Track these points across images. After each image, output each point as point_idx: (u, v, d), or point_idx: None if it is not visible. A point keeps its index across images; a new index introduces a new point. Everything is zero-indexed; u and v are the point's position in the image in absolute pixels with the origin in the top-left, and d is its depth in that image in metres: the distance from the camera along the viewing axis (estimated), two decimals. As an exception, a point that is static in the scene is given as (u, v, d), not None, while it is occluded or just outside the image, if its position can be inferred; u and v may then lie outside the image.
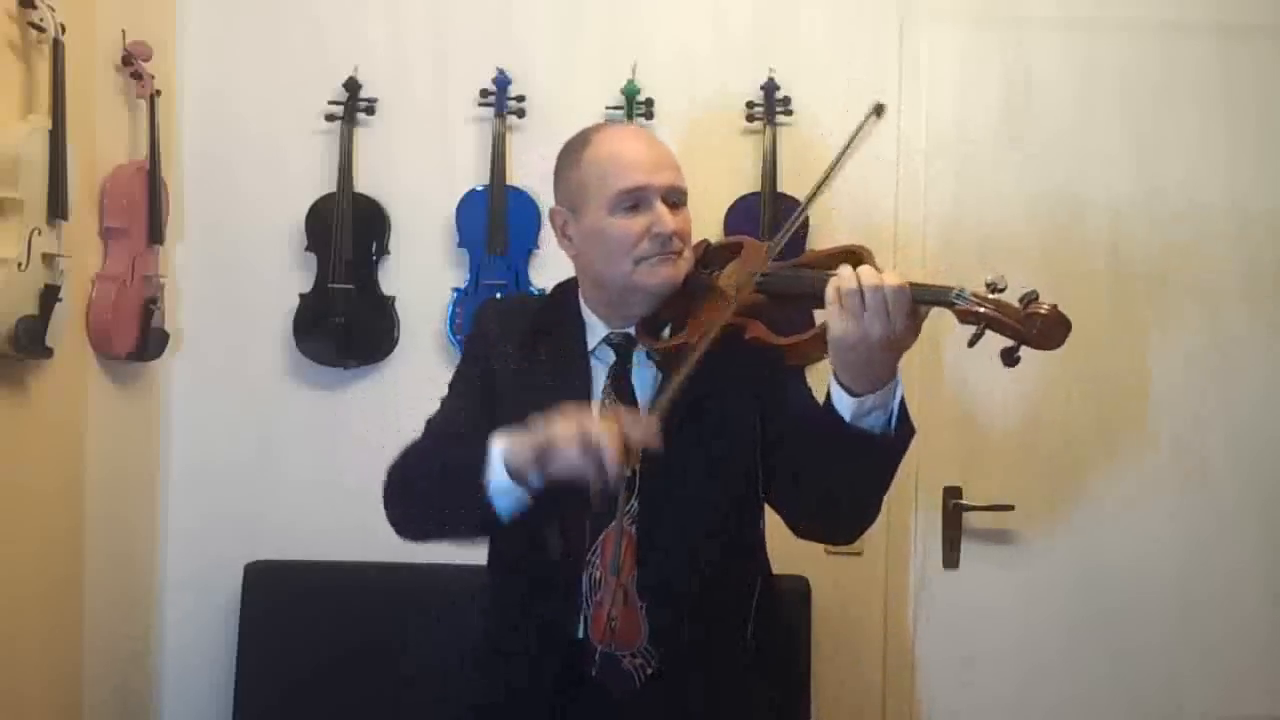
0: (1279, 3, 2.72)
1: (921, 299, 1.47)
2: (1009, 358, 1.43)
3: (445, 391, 1.84)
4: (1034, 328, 1.41)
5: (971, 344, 1.45)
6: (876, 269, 1.49)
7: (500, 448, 1.55)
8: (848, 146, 1.63)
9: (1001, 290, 1.44)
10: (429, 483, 1.67)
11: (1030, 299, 1.43)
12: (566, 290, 1.81)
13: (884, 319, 1.45)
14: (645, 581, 1.68)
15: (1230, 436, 2.70)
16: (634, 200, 1.66)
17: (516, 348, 1.76)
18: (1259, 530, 2.70)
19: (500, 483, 1.55)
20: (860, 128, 1.62)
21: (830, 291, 1.48)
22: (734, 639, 1.75)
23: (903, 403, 1.54)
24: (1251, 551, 2.69)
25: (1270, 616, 2.70)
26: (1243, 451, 2.70)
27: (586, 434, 1.46)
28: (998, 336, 1.44)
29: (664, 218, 1.66)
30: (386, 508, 1.72)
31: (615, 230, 1.67)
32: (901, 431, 1.54)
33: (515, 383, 1.74)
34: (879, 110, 1.62)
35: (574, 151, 1.74)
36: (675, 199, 1.69)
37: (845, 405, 1.51)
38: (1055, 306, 1.42)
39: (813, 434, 1.57)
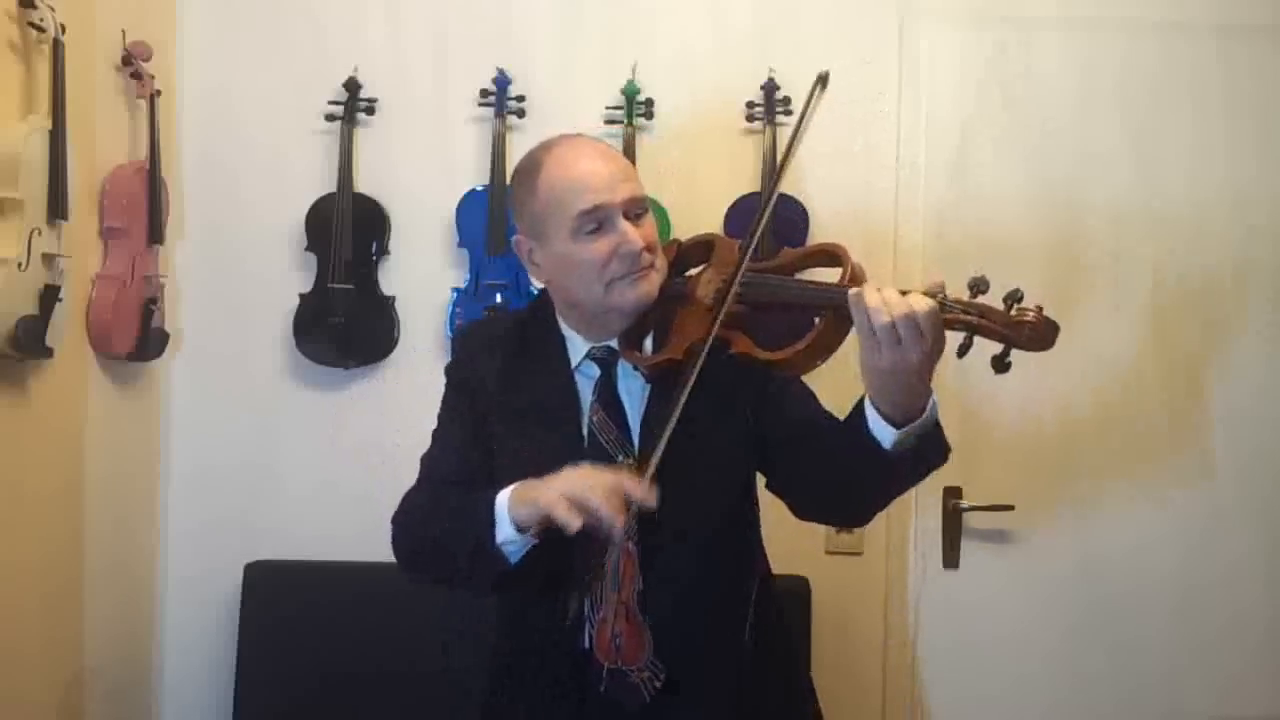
0: (1279, 3, 2.72)
1: None
2: (999, 364, 1.41)
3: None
4: (1022, 333, 1.39)
5: (961, 354, 1.44)
6: (862, 274, 1.50)
7: (505, 509, 1.57)
8: (801, 122, 1.63)
9: (984, 291, 1.42)
10: (438, 545, 1.67)
11: (1015, 299, 1.41)
12: (543, 307, 1.78)
13: (920, 342, 1.42)
14: (647, 596, 1.67)
15: (1230, 436, 2.70)
16: (595, 221, 1.62)
17: (500, 370, 1.74)
18: (1258, 530, 2.70)
19: (509, 536, 1.57)
20: (810, 101, 1.62)
21: (860, 324, 1.45)
22: (733, 640, 1.74)
23: (938, 424, 1.52)
24: (1251, 551, 2.70)
25: (1269, 617, 2.70)
26: (1242, 451, 2.70)
27: (587, 505, 1.48)
28: (987, 342, 1.42)
29: (629, 235, 1.62)
30: (397, 558, 1.73)
31: (582, 255, 1.63)
32: (939, 450, 1.55)
33: (503, 405, 1.72)
34: (823, 80, 1.62)
35: (528, 178, 1.69)
36: (637, 210, 1.66)
37: (887, 435, 1.50)
38: (1040, 310, 1.40)
39: (844, 453, 1.55)
